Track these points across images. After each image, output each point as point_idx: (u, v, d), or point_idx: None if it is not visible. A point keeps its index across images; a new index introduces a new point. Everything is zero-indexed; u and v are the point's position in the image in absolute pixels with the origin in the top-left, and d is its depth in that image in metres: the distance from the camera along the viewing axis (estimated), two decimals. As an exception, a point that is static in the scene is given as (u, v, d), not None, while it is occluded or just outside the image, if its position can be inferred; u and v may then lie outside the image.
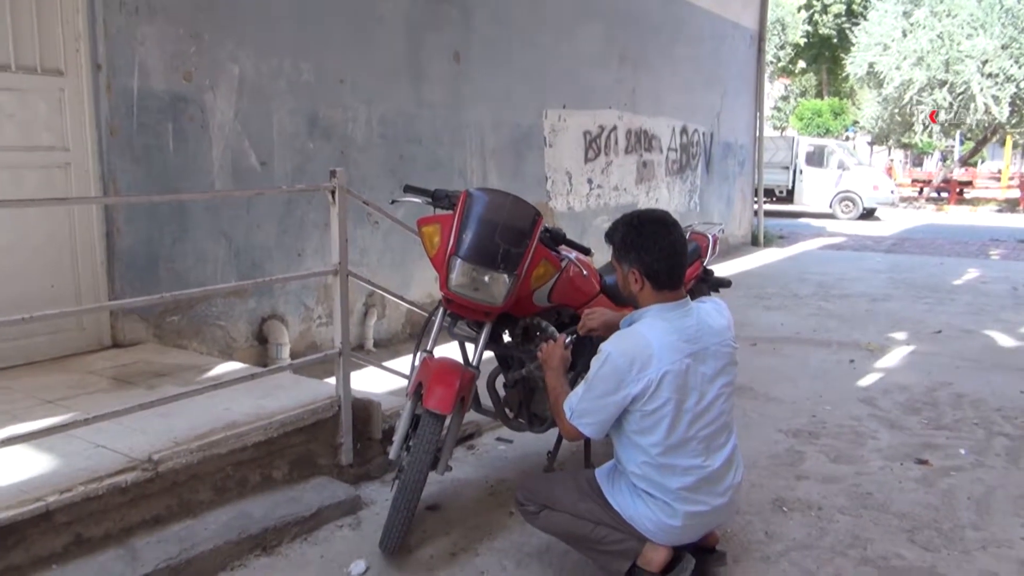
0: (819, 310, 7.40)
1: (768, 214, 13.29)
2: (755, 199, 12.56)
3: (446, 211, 3.02)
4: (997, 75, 20.33)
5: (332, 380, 3.49)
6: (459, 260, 2.81)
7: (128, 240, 4.27)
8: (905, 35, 21.78)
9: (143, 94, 4.26)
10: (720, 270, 5.67)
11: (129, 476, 2.63)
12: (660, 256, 2.50)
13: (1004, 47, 20.17)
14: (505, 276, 2.82)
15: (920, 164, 38.09)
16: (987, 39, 20.15)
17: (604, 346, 2.51)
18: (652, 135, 9.39)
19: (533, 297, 3.02)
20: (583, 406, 2.53)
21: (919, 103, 21.90)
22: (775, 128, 33.94)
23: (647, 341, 2.46)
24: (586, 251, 3.24)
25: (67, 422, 2.63)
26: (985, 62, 20.34)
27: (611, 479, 2.65)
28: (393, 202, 3.28)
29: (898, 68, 21.71)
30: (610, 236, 2.63)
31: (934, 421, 4.35)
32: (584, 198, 8.18)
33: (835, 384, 5.02)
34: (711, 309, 2.61)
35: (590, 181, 8.26)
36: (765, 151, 13.62)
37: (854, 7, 30.10)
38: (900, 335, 6.36)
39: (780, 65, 32.50)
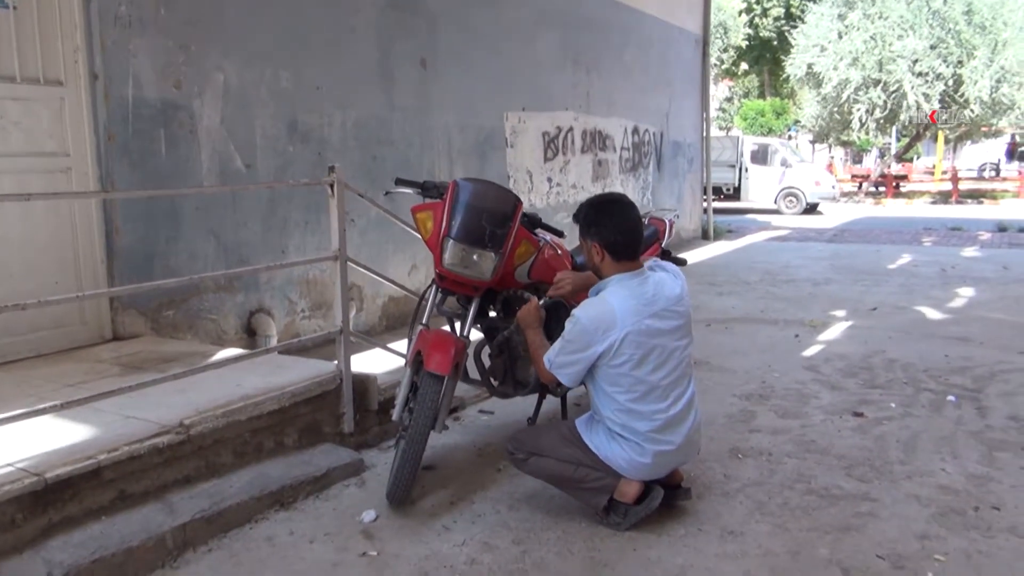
0: (767, 294, 7.94)
1: (716, 211, 13.88)
2: (704, 195, 13.15)
3: (435, 200, 3.40)
4: (927, 74, 21.36)
5: (331, 359, 3.83)
6: (451, 241, 3.19)
7: (126, 239, 4.54)
8: (840, 37, 22.71)
9: (137, 102, 4.54)
10: (675, 259, 6.15)
11: (165, 439, 2.95)
12: (616, 230, 2.93)
13: (932, 47, 21.21)
14: (492, 253, 3.21)
15: (860, 161, 39.50)
16: (916, 40, 21.16)
17: (575, 311, 2.96)
18: (606, 135, 9.86)
19: (515, 274, 3.41)
20: (560, 359, 2.96)
21: (856, 102, 22.87)
22: (721, 128, 34.91)
23: (610, 307, 2.89)
24: (559, 233, 3.65)
25: (115, 389, 2.94)
26: (915, 61, 21.35)
27: (589, 426, 3.07)
28: (387, 193, 3.64)
29: (835, 68, 22.63)
30: (576, 216, 3.07)
31: (869, 382, 4.86)
32: (544, 196, 8.60)
33: (782, 355, 5.52)
34: (666, 277, 3.03)
35: (549, 180, 8.69)
36: (712, 150, 14.25)
37: (792, 10, 31.19)
38: (840, 312, 6.91)
39: (724, 67, 33.50)
